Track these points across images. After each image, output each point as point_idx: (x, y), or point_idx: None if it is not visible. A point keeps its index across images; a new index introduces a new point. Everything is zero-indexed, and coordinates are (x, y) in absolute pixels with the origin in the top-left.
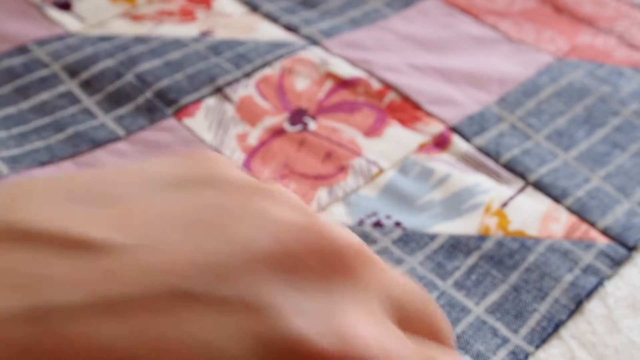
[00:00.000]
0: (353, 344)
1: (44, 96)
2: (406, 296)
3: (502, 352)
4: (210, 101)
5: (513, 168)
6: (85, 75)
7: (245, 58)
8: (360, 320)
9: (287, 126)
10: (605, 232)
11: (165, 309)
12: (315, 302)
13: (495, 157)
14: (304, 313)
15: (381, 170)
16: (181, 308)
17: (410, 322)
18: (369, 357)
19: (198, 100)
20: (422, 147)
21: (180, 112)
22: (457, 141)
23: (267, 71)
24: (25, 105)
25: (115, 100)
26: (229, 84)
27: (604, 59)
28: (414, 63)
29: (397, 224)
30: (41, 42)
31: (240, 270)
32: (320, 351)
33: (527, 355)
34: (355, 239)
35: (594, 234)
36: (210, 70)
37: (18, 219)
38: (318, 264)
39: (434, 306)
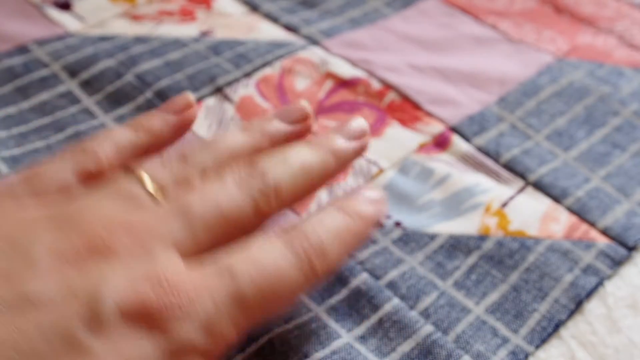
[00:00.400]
0: (161, 287)
1: (44, 96)
2: (198, 231)
3: (502, 352)
4: (210, 101)
5: (513, 168)
6: (85, 75)
7: (245, 58)
8: (158, 270)
9: None
10: (605, 232)
11: None
12: (117, 268)
13: (495, 157)
14: (103, 288)
15: (381, 170)
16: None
17: (217, 245)
18: (176, 292)
19: (198, 100)
20: (422, 147)
21: None
22: (457, 141)
23: (267, 71)
24: (25, 105)
25: (115, 100)
26: (229, 83)
27: (604, 59)
28: (414, 63)
29: (397, 224)
30: (41, 42)
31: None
32: (137, 301)
33: (527, 355)
34: (105, 223)
35: (594, 234)
36: (210, 70)
37: None
38: (86, 249)
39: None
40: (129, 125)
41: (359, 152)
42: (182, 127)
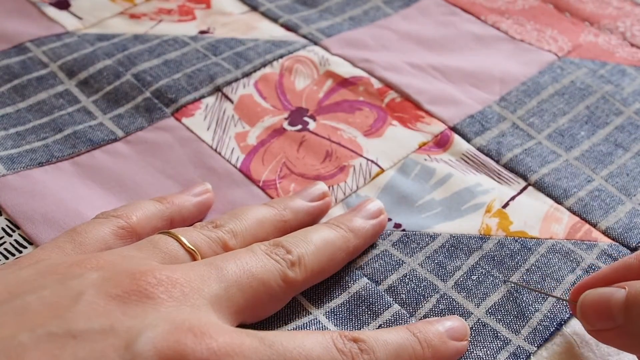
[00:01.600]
0: (194, 342)
1: (42, 96)
2: (233, 292)
3: (503, 355)
4: (210, 100)
5: (514, 168)
6: (83, 74)
7: (244, 57)
8: (191, 325)
9: (286, 126)
10: (607, 232)
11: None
12: (150, 317)
13: (496, 157)
14: (145, 329)
15: (381, 170)
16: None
17: (247, 307)
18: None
19: (197, 100)
20: (422, 147)
21: (179, 112)
22: (457, 141)
23: (267, 70)
24: (23, 104)
25: (113, 100)
26: (228, 83)
27: (606, 57)
28: (415, 62)
29: (397, 225)
30: (39, 41)
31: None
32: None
33: (528, 355)
34: (156, 274)
35: (596, 235)
36: (210, 70)
37: None
38: (133, 293)
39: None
40: (155, 197)
41: (378, 229)
42: (203, 207)
